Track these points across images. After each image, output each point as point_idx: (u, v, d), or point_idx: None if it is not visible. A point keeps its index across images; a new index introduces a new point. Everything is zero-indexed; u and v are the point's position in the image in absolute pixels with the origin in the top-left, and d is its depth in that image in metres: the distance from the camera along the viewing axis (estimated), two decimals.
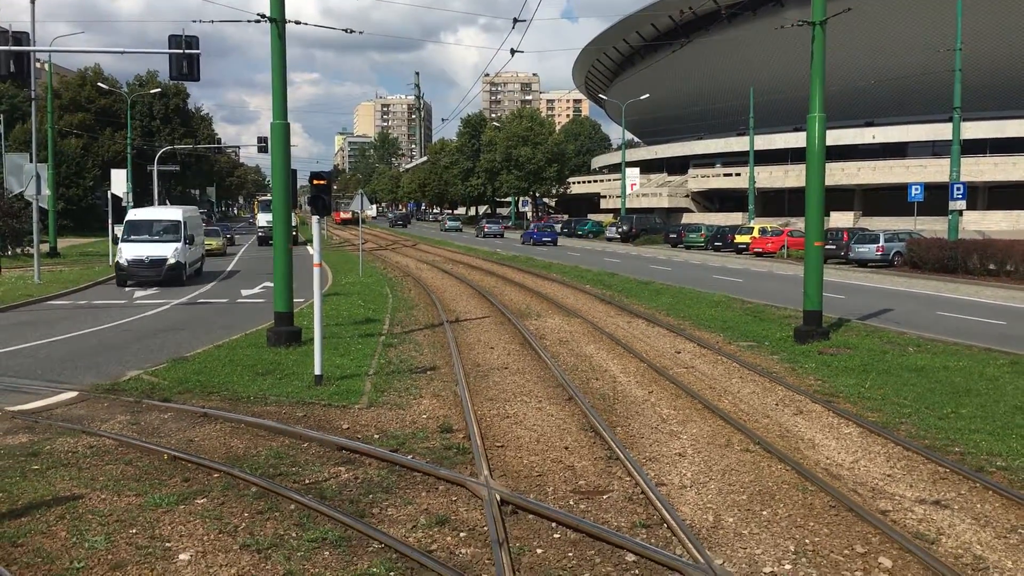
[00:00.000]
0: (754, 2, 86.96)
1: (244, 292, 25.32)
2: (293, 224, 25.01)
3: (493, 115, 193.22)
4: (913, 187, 34.81)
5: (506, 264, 35.67)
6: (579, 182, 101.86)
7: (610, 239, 60.21)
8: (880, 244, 32.41)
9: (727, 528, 6.69)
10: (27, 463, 8.24)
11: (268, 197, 47.01)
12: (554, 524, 6.76)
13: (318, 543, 6.28)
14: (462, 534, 6.57)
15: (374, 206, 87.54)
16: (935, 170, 74.42)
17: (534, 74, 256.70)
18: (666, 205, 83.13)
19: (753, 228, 42.84)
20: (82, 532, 6.46)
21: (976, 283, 26.98)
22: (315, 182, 11.70)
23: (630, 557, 6.12)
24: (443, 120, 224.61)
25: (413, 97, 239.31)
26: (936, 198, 74.78)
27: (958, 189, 29.41)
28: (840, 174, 77.22)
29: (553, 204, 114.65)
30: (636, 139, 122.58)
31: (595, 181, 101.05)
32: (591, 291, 24.41)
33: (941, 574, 5.73)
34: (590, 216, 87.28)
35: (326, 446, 8.88)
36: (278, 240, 14.85)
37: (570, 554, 6.20)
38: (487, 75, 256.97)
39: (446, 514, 6.95)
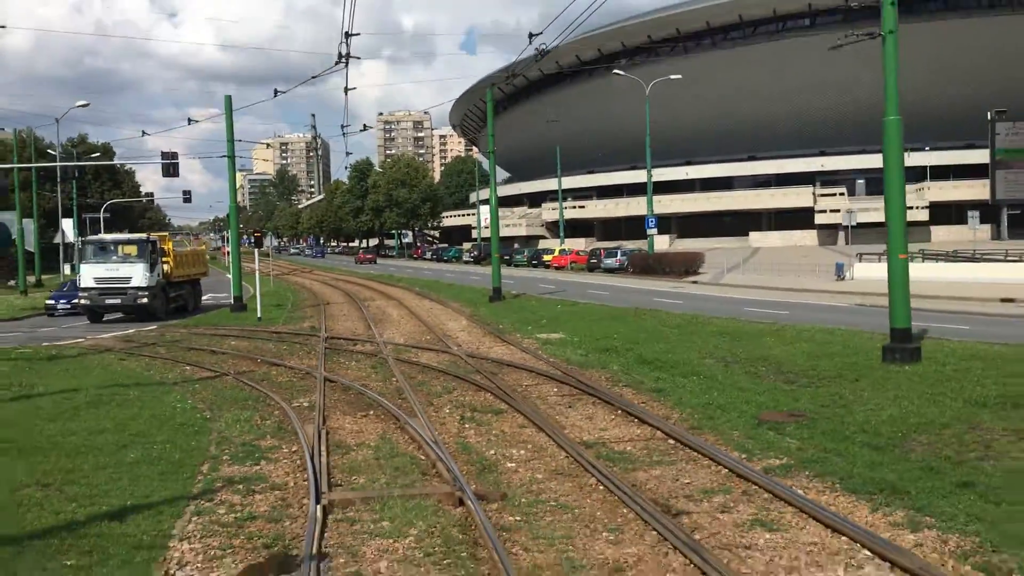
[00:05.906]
0: (592, 62, 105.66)
1: (201, 298, 40.07)
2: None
3: (388, 152, 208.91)
4: (650, 219, 51.61)
5: (373, 279, 51.24)
6: (456, 215, 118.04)
7: (466, 262, 76.56)
8: (618, 257, 49.32)
9: (395, 339, 22.40)
10: (153, 345, 23.48)
11: (101, 237, 35.31)
12: (341, 340, 22.43)
13: (268, 342, 21.81)
14: (312, 342, 22.15)
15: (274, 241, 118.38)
16: (730, 200, 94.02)
17: (425, 112, 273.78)
18: (524, 233, 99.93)
19: (555, 250, 59.51)
20: (171, 348, 21.85)
21: (655, 279, 43.65)
22: (255, 234, 27.34)
23: (359, 344, 21.83)
24: (336, 165, 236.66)
25: (310, 136, 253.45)
26: (741, 221, 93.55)
27: (651, 220, 46.29)
28: (657, 205, 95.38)
29: (437, 235, 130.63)
30: (509, 175, 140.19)
31: (470, 214, 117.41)
32: (415, 290, 40.19)
33: (439, 337, 21.67)
34: (465, 244, 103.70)
35: (268, 334, 24.34)
36: (233, 256, 30.19)
37: (343, 345, 21.87)
38: (380, 114, 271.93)
39: (308, 340, 22.54)
